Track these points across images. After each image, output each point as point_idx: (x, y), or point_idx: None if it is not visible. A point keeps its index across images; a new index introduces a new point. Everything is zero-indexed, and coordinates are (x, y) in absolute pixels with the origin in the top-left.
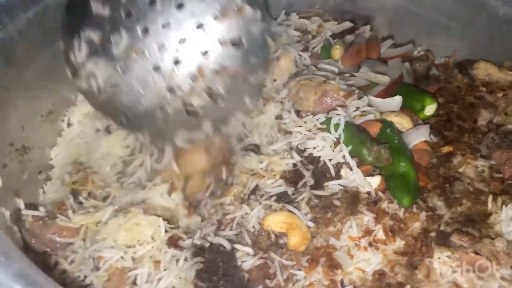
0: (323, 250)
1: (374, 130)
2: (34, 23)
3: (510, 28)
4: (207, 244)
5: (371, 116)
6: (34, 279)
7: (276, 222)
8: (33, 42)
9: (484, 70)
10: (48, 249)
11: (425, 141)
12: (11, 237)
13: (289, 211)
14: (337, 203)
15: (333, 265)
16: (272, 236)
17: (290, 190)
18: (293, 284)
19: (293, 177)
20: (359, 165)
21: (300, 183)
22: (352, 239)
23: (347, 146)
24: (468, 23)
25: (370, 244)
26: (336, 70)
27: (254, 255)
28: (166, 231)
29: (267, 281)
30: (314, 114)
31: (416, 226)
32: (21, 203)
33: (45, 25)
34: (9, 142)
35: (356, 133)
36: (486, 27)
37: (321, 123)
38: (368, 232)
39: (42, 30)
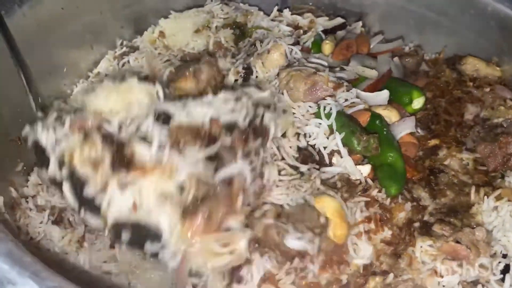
0: None
1: (364, 119)
2: (29, 17)
3: (497, 24)
4: None
5: (360, 107)
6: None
7: (332, 208)
8: (28, 36)
9: (472, 66)
10: None
11: (412, 134)
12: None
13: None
14: (338, 184)
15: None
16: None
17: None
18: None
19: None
20: (348, 154)
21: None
22: (355, 224)
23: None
24: (457, 19)
25: (366, 232)
26: (326, 64)
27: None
28: None
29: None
30: None
31: (401, 216)
32: (14, 193)
33: (40, 19)
34: (4, 133)
35: (346, 123)
36: (475, 23)
37: (312, 113)
38: (368, 218)
39: (37, 24)
